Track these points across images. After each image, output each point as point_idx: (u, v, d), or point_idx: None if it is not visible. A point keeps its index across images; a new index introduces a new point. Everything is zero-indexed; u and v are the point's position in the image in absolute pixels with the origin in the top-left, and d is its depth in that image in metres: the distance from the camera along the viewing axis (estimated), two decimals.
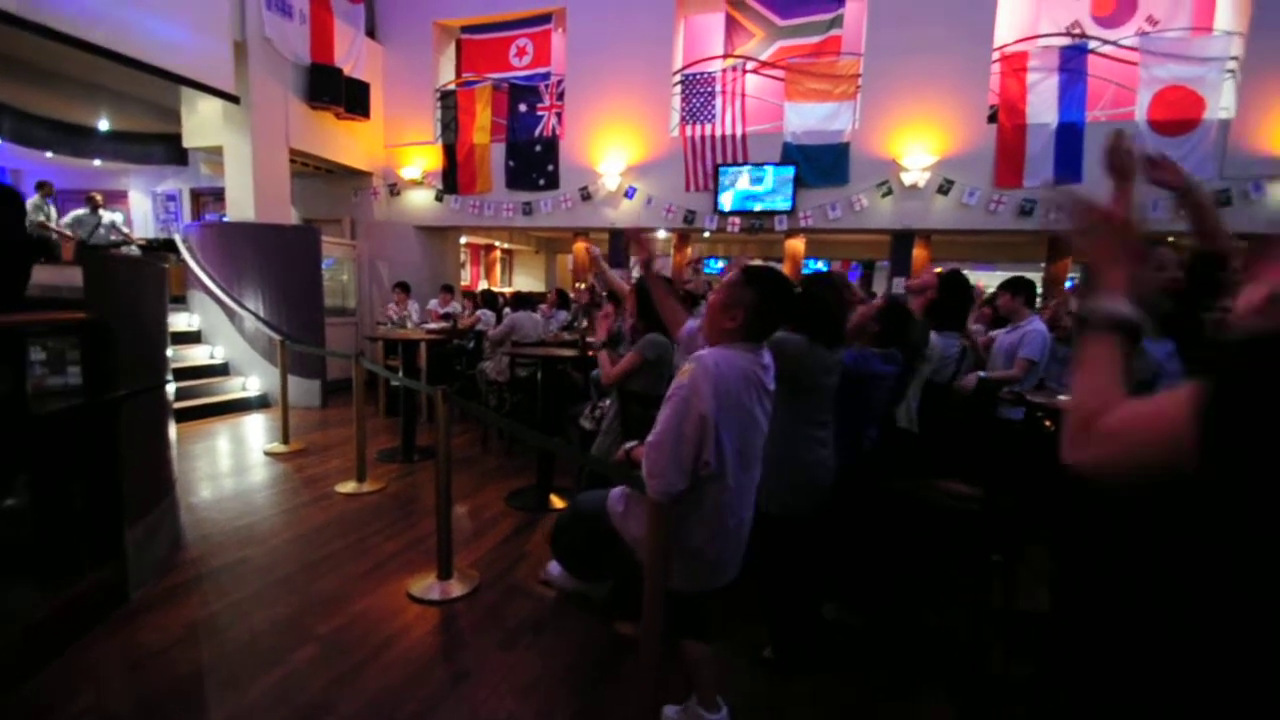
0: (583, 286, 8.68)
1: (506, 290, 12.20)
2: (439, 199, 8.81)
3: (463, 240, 11.17)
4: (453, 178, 8.63)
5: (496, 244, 13.24)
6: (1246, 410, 0.60)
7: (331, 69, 7.72)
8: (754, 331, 1.66)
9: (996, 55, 6.86)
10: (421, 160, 8.85)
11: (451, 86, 8.82)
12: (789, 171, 7.36)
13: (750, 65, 7.60)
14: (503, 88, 8.37)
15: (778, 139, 7.49)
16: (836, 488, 2.31)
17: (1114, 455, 0.71)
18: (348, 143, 8.46)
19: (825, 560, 2.61)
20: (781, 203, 7.44)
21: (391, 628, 2.74)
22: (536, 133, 8.31)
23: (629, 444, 1.82)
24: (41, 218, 7.12)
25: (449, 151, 8.62)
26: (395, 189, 9.01)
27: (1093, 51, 6.65)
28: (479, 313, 7.02)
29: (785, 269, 8.35)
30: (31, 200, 7.10)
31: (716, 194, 7.62)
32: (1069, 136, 6.67)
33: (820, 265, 11.10)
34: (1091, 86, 6.68)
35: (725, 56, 7.80)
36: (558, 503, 4.24)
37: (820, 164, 7.35)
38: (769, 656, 2.48)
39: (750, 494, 1.71)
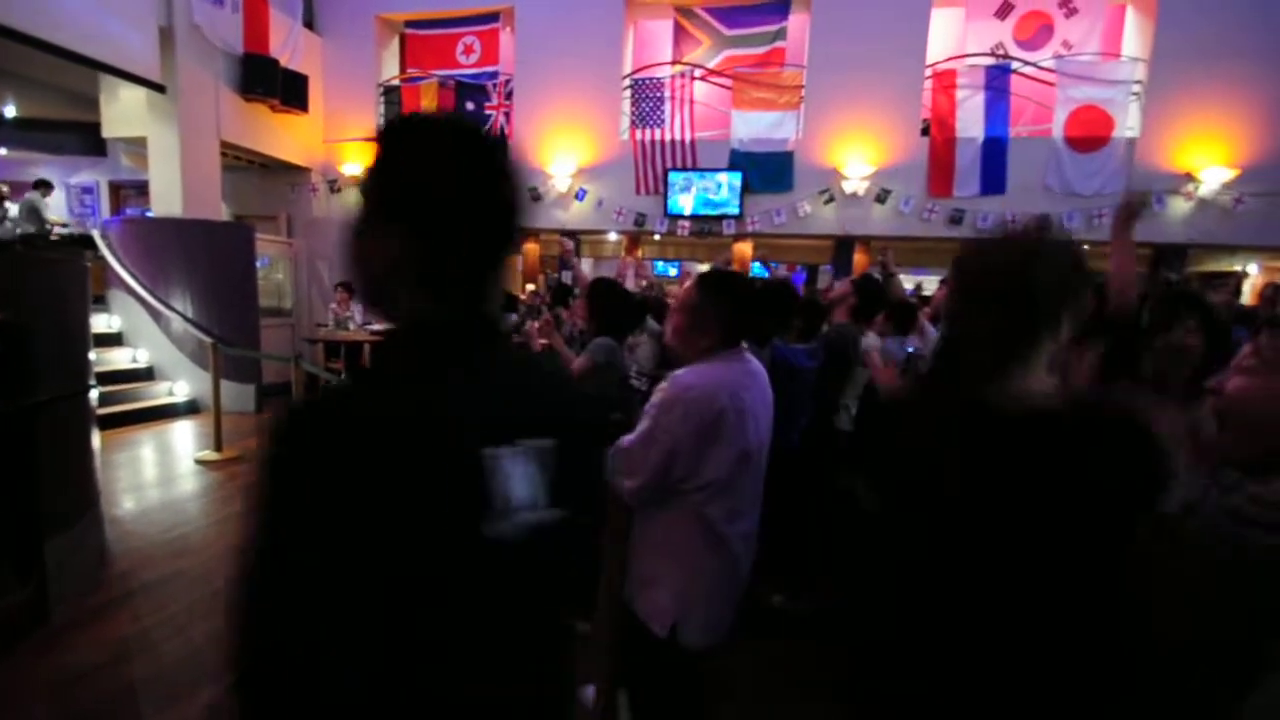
0: (532, 289, 8.63)
1: None
2: None
3: None
4: None
5: None
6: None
7: (267, 60, 7.41)
8: (731, 339, 1.57)
9: (929, 72, 7.23)
10: (364, 156, 8.59)
11: (395, 82, 8.61)
12: (737, 177, 7.53)
13: (699, 73, 7.75)
14: (449, 85, 8.22)
15: (725, 146, 7.66)
16: (771, 479, 2.43)
17: None
18: (284, 136, 8.13)
19: (766, 549, 2.69)
20: (730, 207, 7.61)
21: None
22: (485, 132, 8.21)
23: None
24: None
25: None
26: (336, 186, 8.72)
27: (1015, 72, 7.10)
28: None
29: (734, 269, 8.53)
30: None
31: (666, 197, 7.73)
32: (994, 150, 7.09)
33: (763, 269, 11.37)
34: (1014, 104, 7.13)
35: (674, 63, 7.92)
36: None
37: (766, 171, 7.56)
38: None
39: (743, 520, 1.59)
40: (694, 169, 7.68)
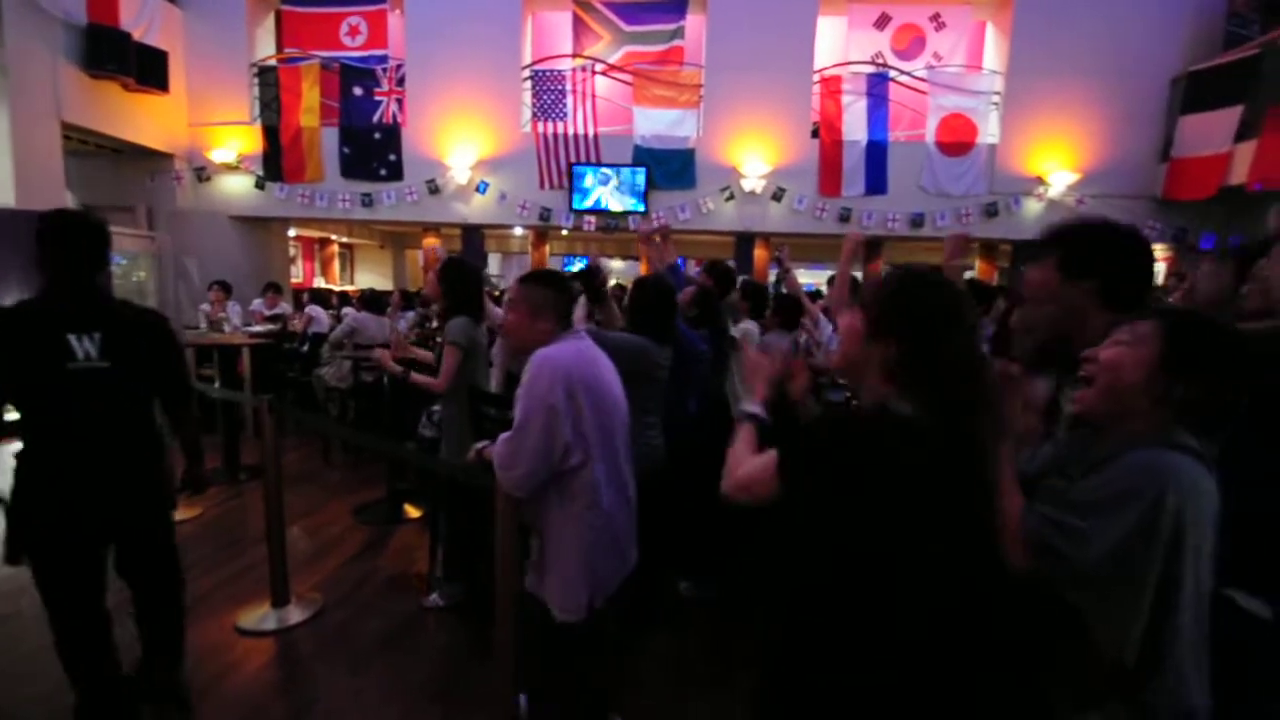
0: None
1: (349, 289, 11.28)
2: (260, 186, 7.89)
3: (291, 233, 10.13)
4: (276, 163, 7.79)
5: (334, 238, 12.17)
6: (801, 465, 1.05)
7: (116, 32, 6.59)
8: (556, 320, 1.72)
9: (817, 78, 7.62)
10: (236, 142, 7.88)
11: (272, 62, 7.94)
12: (641, 173, 7.59)
13: (599, 67, 7.72)
14: (333, 68, 7.69)
15: (629, 141, 7.69)
16: (668, 463, 2.51)
17: (738, 490, 1.17)
18: (141, 119, 7.29)
19: (668, 535, 2.75)
20: (635, 203, 7.66)
21: (217, 666, 2.46)
22: (375, 119, 7.76)
23: (479, 444, 1.80)
24: None
25: (270, 134, 7.76)
26: (204, 174, 7.93)
27: (893, 80, 7.62)
28: (309, 310, 6.42)
29: (641, 269, 8.62)
30: None
31: (571, 192, 7.66)
32: (876, 153, 7.59)
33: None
34: (893, 110, 7.65)
35: (574, 56, 7.85)
36: (413, 513, 4.03)
37: (669, 167, 7.67)
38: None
39: (619, 484, 1.71)
40: (598, 164, 7.66)
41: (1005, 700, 1.05)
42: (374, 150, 7.75)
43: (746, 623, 2.83)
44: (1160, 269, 8.39)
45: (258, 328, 6.67)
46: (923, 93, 7.60)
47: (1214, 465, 0.99)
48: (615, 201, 7.65)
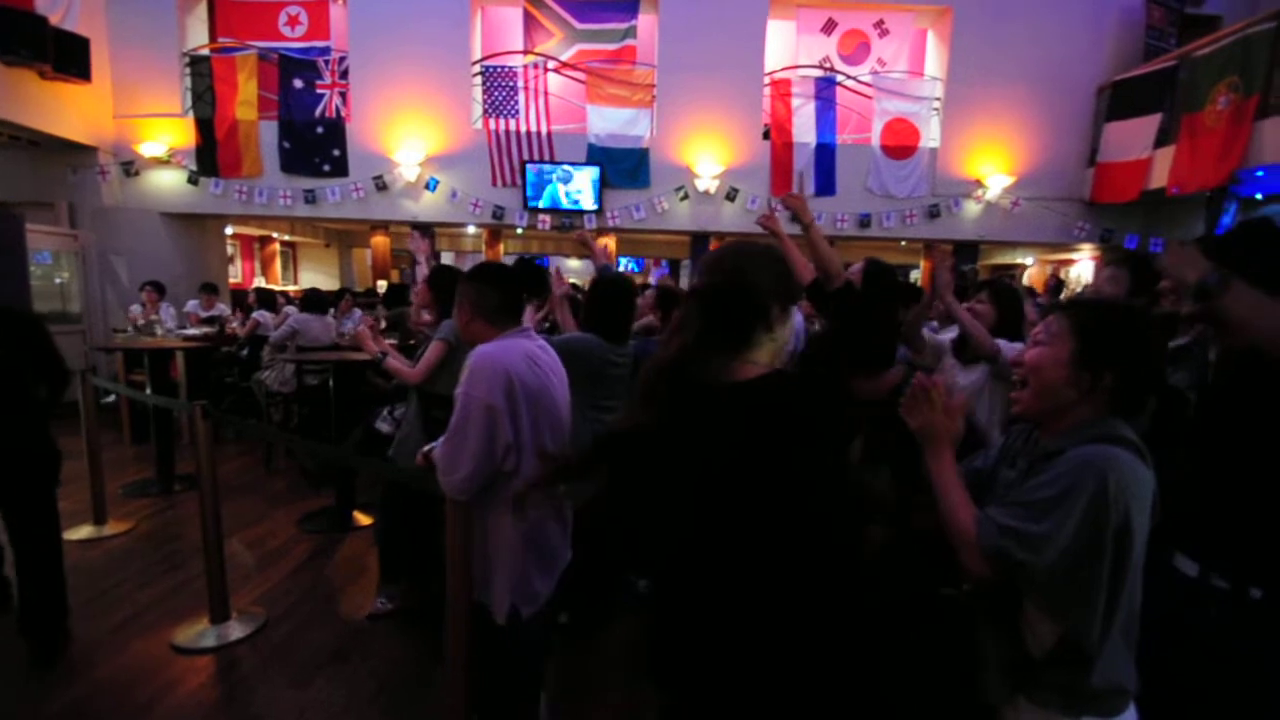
0: (384, 285, 8.04)
1: (292, 289, 10.86)
2: (193, 182, 7.51)
3: (229, 231, 9.69)
4: (211, 157, 7.43)
5: (275, 236, 11.68)
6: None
7: (29, 15, 6.15)
8: (500, 318, 1.69)
9: (767, 80, 7.74)
10: (167, 135, 7.47)
11: (204, 52, 7.57)
12: (595, 172, 7.56)
13: (552, 64, 7.65)
14: (271, 59, 7.38)
15: (583, 140, 7.65)
16: None
17: None
18: (61, 110, 6.83)
19: (629, 534, 2.76)
20: (588, 202, 7.62)
21: (152, 687, 2.33)
22: (317, 113, 7.49)
23: (426, 447, 1.76)
24: None
25: (204, 127, 7.39)
26: (132, 168, 7.50)
27: (840, 84, 7.82)
28: (256, 314, 6.15)
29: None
30: None
31: (525, 190, 7.57)
32: (825, 155, 7.77)
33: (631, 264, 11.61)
34: (840, 113, 7.85)
35: (526, 53, 7.76)
36: (363, 520, 3.91)
37: (623, 166, 7.67)
38: (564, 621, 2.59)
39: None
40: (552, 162, 7.59)
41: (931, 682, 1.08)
42: (316, 145, 7.48)
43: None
44: (1089, 268, 8.88)
45: (193, 330, 6.35)
46: (868, 97, 7.82)
47: (1148, 451, 1.03)
48: (570, 200, 7.61)
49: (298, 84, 7.40)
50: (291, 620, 2.83)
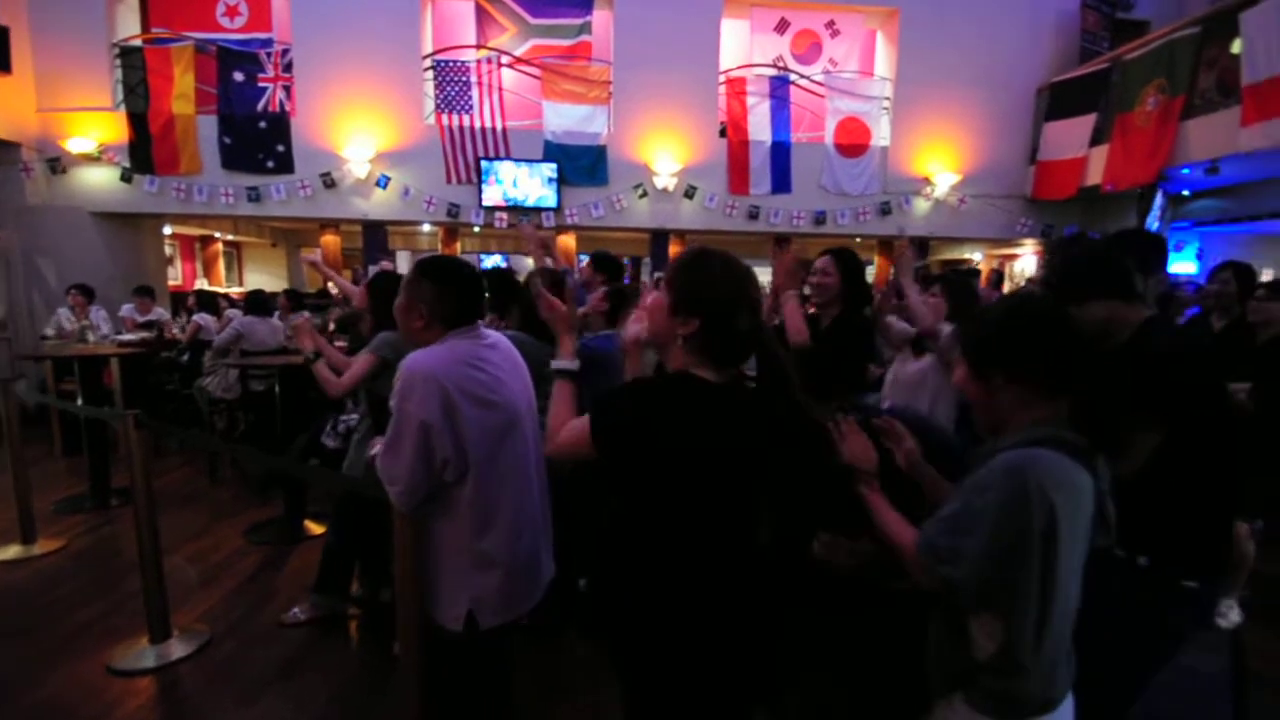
0: (333, 288, 7.78)
1: (235, 291, 10.43)
2: (126, 179, 7.13)
3: (167, 231, 9.25)
4: (145, 153, 7.07)
5: (217, 235, 11.20)
6: (607, 423, 1.15)
7: None
8: (451, 319, 1.58)
9: (723, 78, 7.80)
10: (97, 130, 7.08)
11: (137, 43, 7.19)
12: (552, 169, 7.49)
13: (505, 60, 7.54)
14: (210, 51, 7.06)
15: (539, 136, 7.56)
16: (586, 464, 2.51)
17: (561, 453, 1.25)
18: None
19: (579, 536, 2.75)
20: (547, 199, 7.54)
21: (87, 712, 2.21)
22: (260, 107, 7.20)
23: (374, 447, 1.68)
24: None
25: (137, 121, 7.03)
26: (59, 165, 7.08)
27: (793, 83, 7.93)
28: (197, 318, 5.89)
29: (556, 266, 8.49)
30: None
31: (480, 188, 7.44)
32: (780, 153, 7.87)
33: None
34: (795, 113, 7.96)
35: (479, 47, 7.62)
36: (315, 529, 3.79)
37: (580, 163, 7.61)
38: (524, 623, 2.57)
39: (519, 490, 1.62)
40: (507, 158, 7.48)
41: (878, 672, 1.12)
42: (260, 141, 7.20)
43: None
44: (1033, 262, 9.24)
45: (129, 336, 6.04)
46: (821, 96, 7.95)
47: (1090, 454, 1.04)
48: (527, 197, 7.51)
49: (238, 77, 7.10)
50: (237, 636, 2.72)
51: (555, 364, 1.34)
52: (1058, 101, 7.53)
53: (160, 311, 6.64)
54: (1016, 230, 8.20)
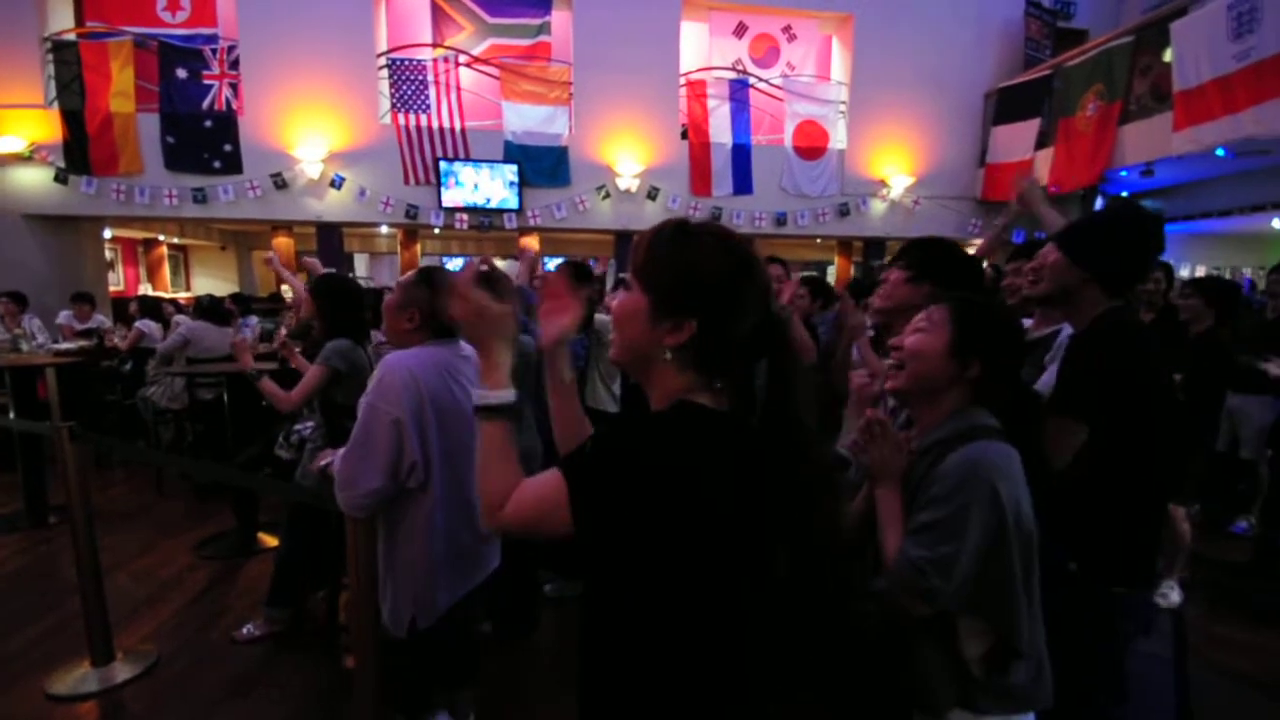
0: (287, 291, 7.55)
1: (183, 295, 10.02)
2: (61, 180, 6.77)
3: (107, 234, 8.82)
4: (82, 153, 6.73)
5: (162, 238, 10.75)
6: (597, 499, 0.78)
7: None
8: (441, 329, 1.62)
9: (683, 81, 7.85)
10: (27, 129, 6.71)
11: (71, 36, 6.85)
12: (513, 169, 7.41)
13: (463, 59, 7.44)
14: (150, 46, 6.77)
15: (499, 137, 7.48)
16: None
17: (510, 529, 0.85)
18: None
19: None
20: (508, 201, 7.46)
21: None
22: (205, 105, 6.93)
23: (324, 459, 1.65)
24: None
25: (72, 119, 6.68)
26: None
27: (752, 86, 8.03)
28: (139, 324, 5.62)
29: (521, 268, 8.41)
30: None
31: (440, 189, 7.32)
32: (741, 155, 7.97)
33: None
34: (754, 115, 8.07)
35: (435, 45, 7.50)
36: (269, 541, 3.66)
37: (542, 164, 7.56)
38: (488, 630, 2.54)
39: (466, 502, 1.61)
40: (467, 159, 7.38)
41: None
42: (205, 140, 6.93)
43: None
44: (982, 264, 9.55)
45: (67, 345, 5.73)
46: (779, 99, 8.08)
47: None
48: (488, 199, 7.42)
49: (181, 74, 6.83)
50: (187, 655, 2.60)
51: (482, 397, 0.88)
52: (1004, 106, 7.81)
53: (100, 319, 6.33)
54: (968, 231, 8.47)
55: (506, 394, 0.88)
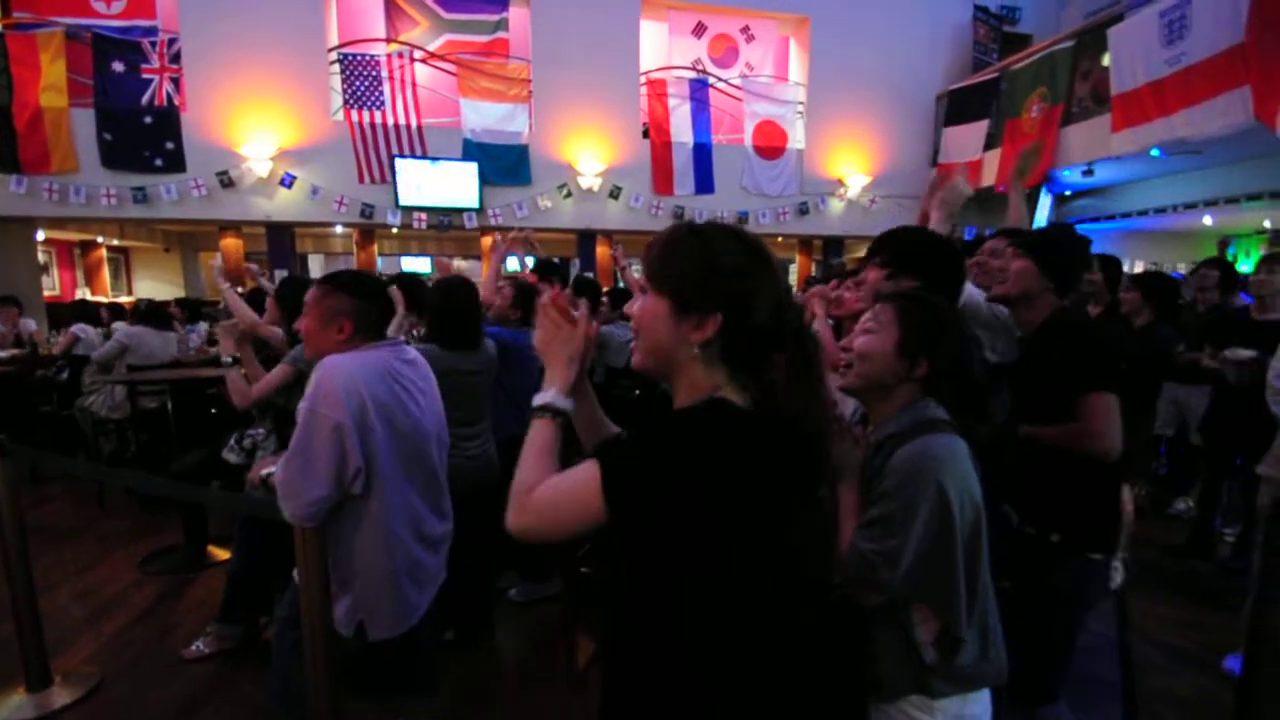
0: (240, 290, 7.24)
1: (124, 299, 9.55)
2: None
3: (40, 236, 8.35)
4: (10, 150, 6.35)
5: (100, 240, 10.22)
6: (633, 484, 0.79)
7: None
8: (371, 329, 1.56)
9: (644, 80, 7.85)
10: None
11: None
12: (471, 166, 7.30)
13: (419, 55, 7.28)
14: (83, 38, 6.43)
15: (458, 134, 7.36)
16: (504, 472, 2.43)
17: (539, 526, 0.85)
18: None
19: (494, 539, 2.69)
20: (468, 200, 7.35)
21: None
22: (144, 100, 6.62)
23: (264, 469, 1.58)
24: None
25: (0, 115, 6.32)
26: None
27: (712, 86, 8.09)
28: (75, 329, 5.34)
29: (483, 268, 8.31)
30: None
31: (396, 187, 7.15)
32: (702, 155, 8.02)
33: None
34: (714, 114, 8.13)
35: (389, 40, 7.33)
36: (220, 554, 3.51)
37: (502, 163, 7.46)
38: (450, 638, 2.51)
39: (430, 501, 1.60)
40: (425, 157, 7.24)
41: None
42: (146, 137, 6.63)
43: (581, 619, 2.83)
44: None
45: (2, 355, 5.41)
46: (739, 99, 8.16)
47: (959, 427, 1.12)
48: (447, 198, 7.29)
49: (118, 67, 6.51)
50: (132, 676, 2.48)
51: (540, 398, 0.92)
52: (955, 108, 8.05)
53: (29, 324, 5.98)
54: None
55: (560, 399, 0.91)
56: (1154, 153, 5.71)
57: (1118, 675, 1.93)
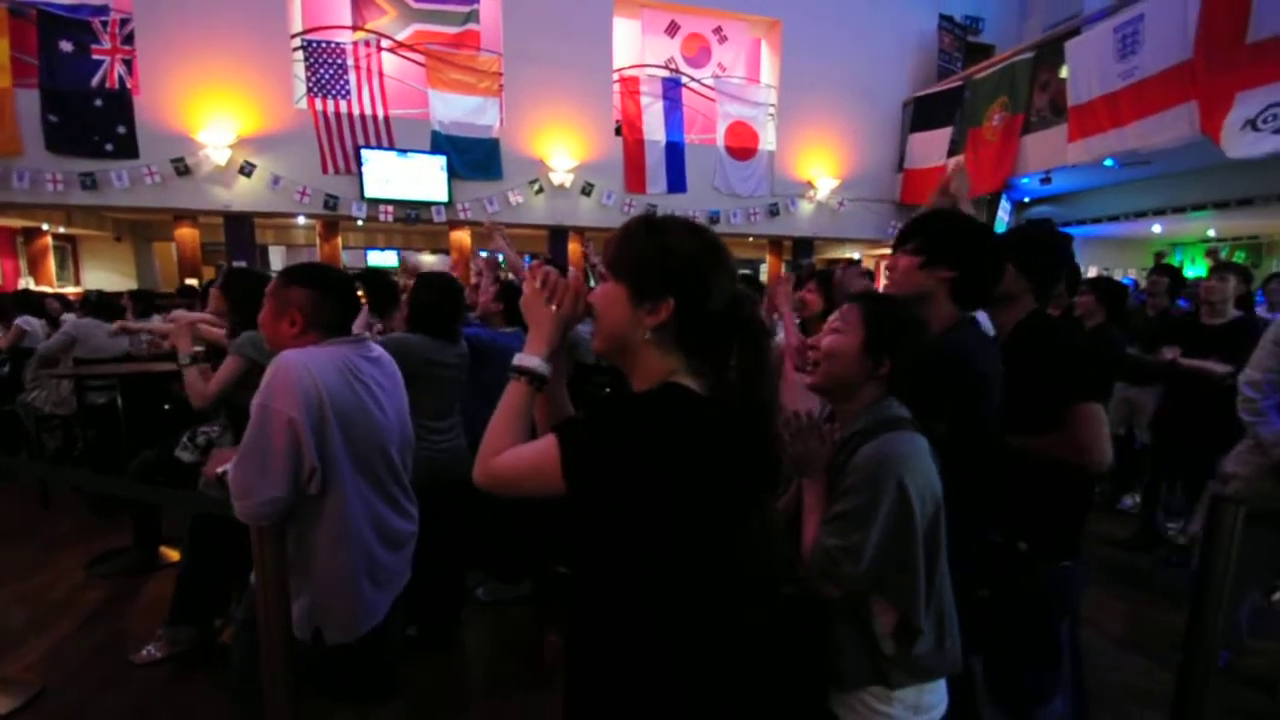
0: (194, 284, 7.02)
1: (70, 290, 9.13)
2: None
3: None
4: None
5: (45, 227, 9.74)
6: (589, 461, 0.84)
7: None
8: (328, 325, 1.49)
9: (617, 77, 7.83)
10: None
11: None
12: (440, 159, 7.18)
13: (386, 44, 7.13)
14: (28, 15, 6.11)
15: (426, 126, 7.23)
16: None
17: (500, 487, 0.91)
18: None
19: (463, 537, 2.66)
20: (436, 193, 7.22)
21: None
22: (94, 82, 6.33)
23: (220, 466, 1.52)
24: None
25: None
26: None
27: (685, 85, 8.11)
28: (20, 321, 5.07)
29: (452, 260, 8.18)
30: None
31: (361, 178, 6.99)
32: (675, 154, 8.04)
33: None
34: (687, 114, 8.15)
35: (355, 28, 7.16)
36: (172, 555, 3.39)
37: (472, 157, 7.36)
38: (413, 635, 2.47)
39: (392, 500, 1.56)
40: (391, 148, 7.09)
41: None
42: (95, 120, 6.34)
43: (551, 620, 2.82)
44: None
45: None
46: (711, 100, 8.20)
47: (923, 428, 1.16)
48: (414, 191, 7.16)
49: (66, 47, 6.21)
50: (78, 683, 2.37)
51: (517, 359, 0.95)
52: (920, 114, 8.23)
53: None
54: (887, 232, 8.89)
55: (538, 361, 0.94)
56: (1108, 162, 5.94)
57: (1070, 665, 2.00)
